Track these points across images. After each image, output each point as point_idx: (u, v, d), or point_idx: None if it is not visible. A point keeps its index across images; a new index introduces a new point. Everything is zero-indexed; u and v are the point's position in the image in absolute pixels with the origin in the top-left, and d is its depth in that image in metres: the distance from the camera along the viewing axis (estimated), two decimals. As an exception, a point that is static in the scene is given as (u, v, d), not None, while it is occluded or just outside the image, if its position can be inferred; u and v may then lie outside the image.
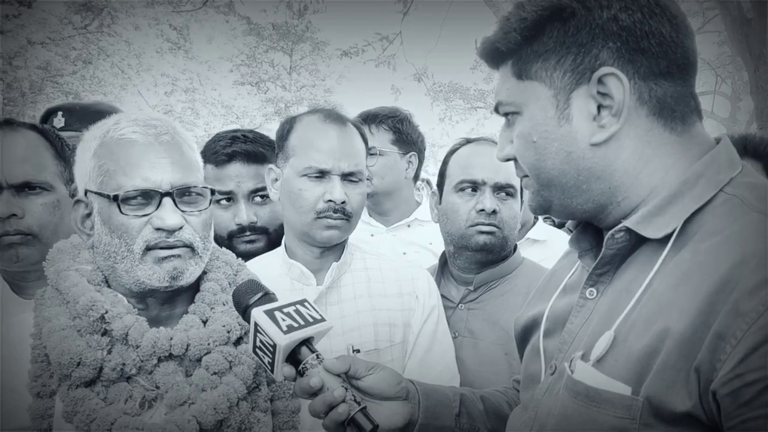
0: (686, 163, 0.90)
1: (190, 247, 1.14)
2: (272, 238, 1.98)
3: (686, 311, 0.76)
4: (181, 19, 16.47)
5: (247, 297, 1.08)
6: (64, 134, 1.81)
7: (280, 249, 1.70)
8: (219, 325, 1.15)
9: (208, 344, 1.13)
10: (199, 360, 1.13)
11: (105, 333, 1.10)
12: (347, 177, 1.57)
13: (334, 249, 1.65)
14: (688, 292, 0.78)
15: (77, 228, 1.16)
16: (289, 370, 1.04)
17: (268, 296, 1.09)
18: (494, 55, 1.00)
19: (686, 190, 0.88)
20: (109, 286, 1.17)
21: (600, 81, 0.89)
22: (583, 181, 0.94)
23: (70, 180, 1.62)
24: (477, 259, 1.79)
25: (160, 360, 1.12)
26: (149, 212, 1.10)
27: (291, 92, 18.99)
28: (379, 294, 1.63)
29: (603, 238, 0.95)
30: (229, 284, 1.25)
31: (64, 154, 1.64)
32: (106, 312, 1.08)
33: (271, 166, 1.68)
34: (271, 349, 1.02)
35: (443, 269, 1.90)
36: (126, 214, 1.09)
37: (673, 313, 0.78)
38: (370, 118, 2.47)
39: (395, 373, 1.15)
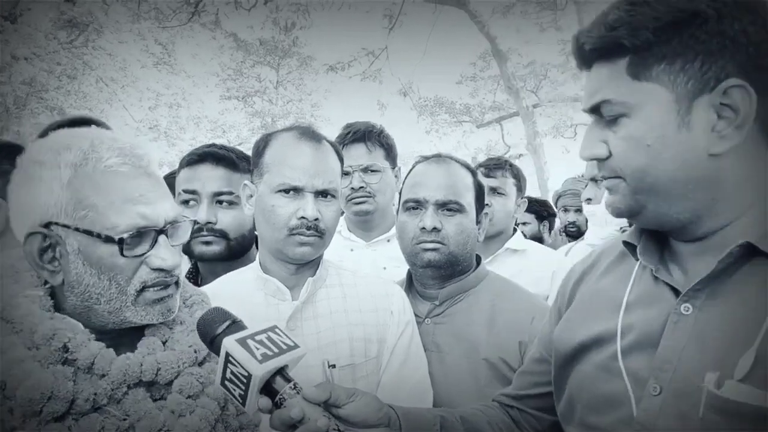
0: None
1: (177, 282, 1.11)
2: (233, 245, 1.98)
3: None
4: (167, 35, 16.48)
5: (215, 326, 1.02)
6: None
7: (255, 264, 1.71)
8: (185, 345, 1.12)
9: (178, 366, 1.08)
10: (167, 384, 1.08)
11: (65, 362, 1.01)
12: (321, 194, 1.59)
13: (310, 265, 1.66)
14: None
15: (35, 264, 1.04)
16: (265, 401, 0.98)
17: (236, 324, 1.03)
18: (609, 50, 0.94)
19: None
20: (57, 310, 1.07)
21: (725, 92, 0.89)
22: (691, 190, 0.93)
23: None
24: (428, 275, 1.81)
25: (129, 387, 1.05)
26: (145, 251, 1.04)
27: (278, 106, 18.99)
28: (354, 309, 1.64)
29: (665, 249, 0.96)
30: (183, 301, 1.22)
31: None
32: (69, 341, 1.01)
33: (246, 182, 1.68)
34: (244, 380, 0.96)
35: (410, 285, 1.93)
36: (126, 256, 1.01)
37: None
38: (366, 136, 2.47)
39: (376, 399, 1.12)
